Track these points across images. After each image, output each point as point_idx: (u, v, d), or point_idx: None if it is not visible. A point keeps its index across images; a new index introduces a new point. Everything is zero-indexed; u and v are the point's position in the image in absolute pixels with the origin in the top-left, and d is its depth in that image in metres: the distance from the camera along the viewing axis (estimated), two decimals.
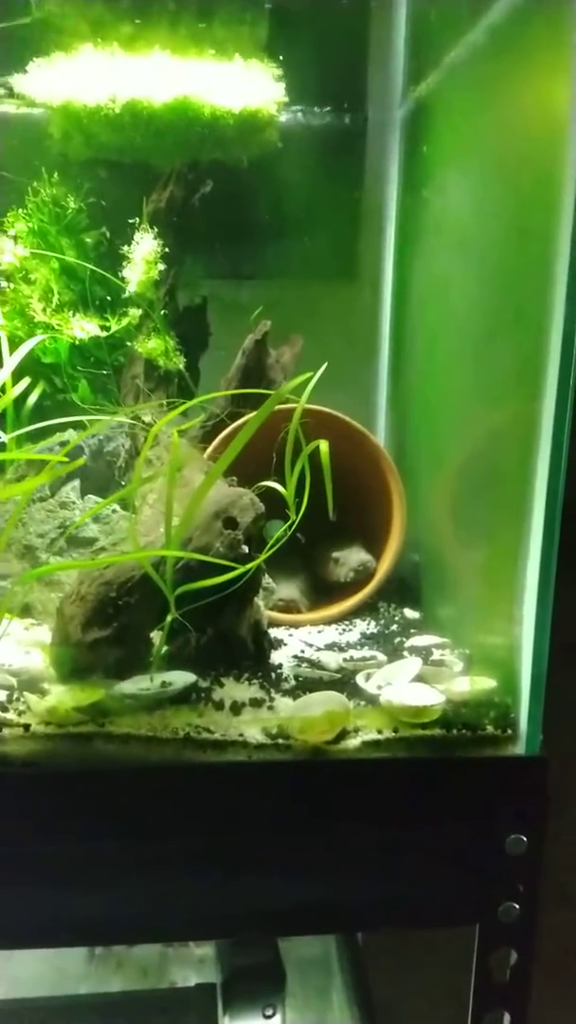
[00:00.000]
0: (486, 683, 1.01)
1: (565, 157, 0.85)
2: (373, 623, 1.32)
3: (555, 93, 0.88)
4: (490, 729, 0.95)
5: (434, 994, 1.82)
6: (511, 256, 1.02)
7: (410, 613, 1.35)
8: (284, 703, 0.97)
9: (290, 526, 1.06)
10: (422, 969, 1.86)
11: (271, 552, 1.07)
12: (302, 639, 1.23)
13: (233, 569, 0.97)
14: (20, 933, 0.91)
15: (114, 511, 1.22)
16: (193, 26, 1.29)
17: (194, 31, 1.30)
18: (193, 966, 1.83)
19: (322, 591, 1.39)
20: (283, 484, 1.10)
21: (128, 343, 1.41)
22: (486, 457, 1.11)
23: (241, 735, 0.91)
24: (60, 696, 0.89)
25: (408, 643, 1.20)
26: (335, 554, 1.39)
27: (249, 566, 0.98)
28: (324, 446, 1.07)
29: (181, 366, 1.39)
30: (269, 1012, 1.47)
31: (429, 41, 1.33)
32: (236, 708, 0.95)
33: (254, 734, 0.92)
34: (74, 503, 1.21)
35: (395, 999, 1.75)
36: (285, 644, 1.20)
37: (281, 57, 1.34)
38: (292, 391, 1.07)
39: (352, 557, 1.36)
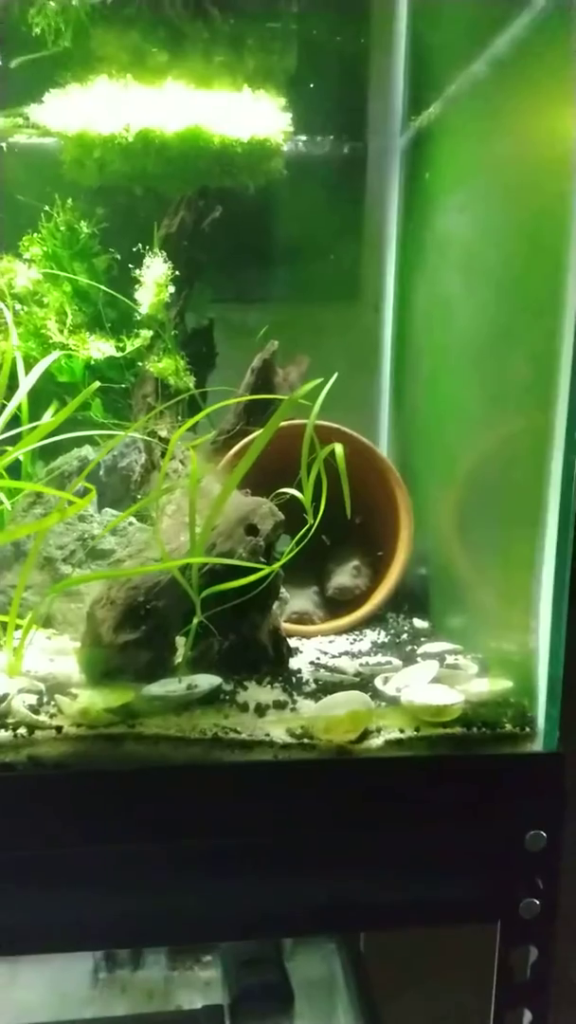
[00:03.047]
0: (503, 684, 1.04)
1: (571, 182, 0.89)
2: (383, 633, 1.34)
3: (559, 120, 0.94)
4: (509, 727, 0.97)
5: (439, 1010, 1.82)
6: (516, 275, 1.07)
7: (419, 623, 1.38)
8: (306, 705, 1.00)
9: (308, 531, 1.09)
10: (427, 986, 1.86)
11: (289, 561, 1.10)
12: (316, 648, 1.26)
13: (255, 573, 1.00)
14: (54, 936, 0.91)
15: (131, 524, 1.24)
16: (202, 58, 1.35)
17: (203, 63, 1.35)
18: (199, 988, 1.81)
19: (331, 603, 1.42)
20: (296, 498, 1.13)
21: (139, 363, 1.44)
22: (496, 471, 1.15)
23: (267, 735, 0.93)
24: (91, 698, 0.91)
25: (420, 650, 1.22)
26: (331, 565, 1.43)
27: (273, 567, 1.01)
28: (339, 448, 1.11)
29: (191, 385, 1.43)
30: None
31: (430, 72, 1.39)
32: (260, 710, 0.97)
33: (279, 734, 0.94)
34: (92, 516, 1.23)
35: (401, 1016, 1.74)
36: (301, 652, 1.22)
37: (287, 88, 1.40)
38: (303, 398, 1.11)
39: (335, 579, 1.40)
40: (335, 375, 1.17)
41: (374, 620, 1.38)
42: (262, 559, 1.06)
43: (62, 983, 1.77)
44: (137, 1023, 1.71)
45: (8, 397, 1.17)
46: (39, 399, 1.32)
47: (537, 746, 0.97)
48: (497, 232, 1.14)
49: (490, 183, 1.16)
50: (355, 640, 1.31)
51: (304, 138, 1.52)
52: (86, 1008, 1.74)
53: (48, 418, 1.35)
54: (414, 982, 1.86)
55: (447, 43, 1.32)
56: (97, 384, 1.20)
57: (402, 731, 0.95)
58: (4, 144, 1.47)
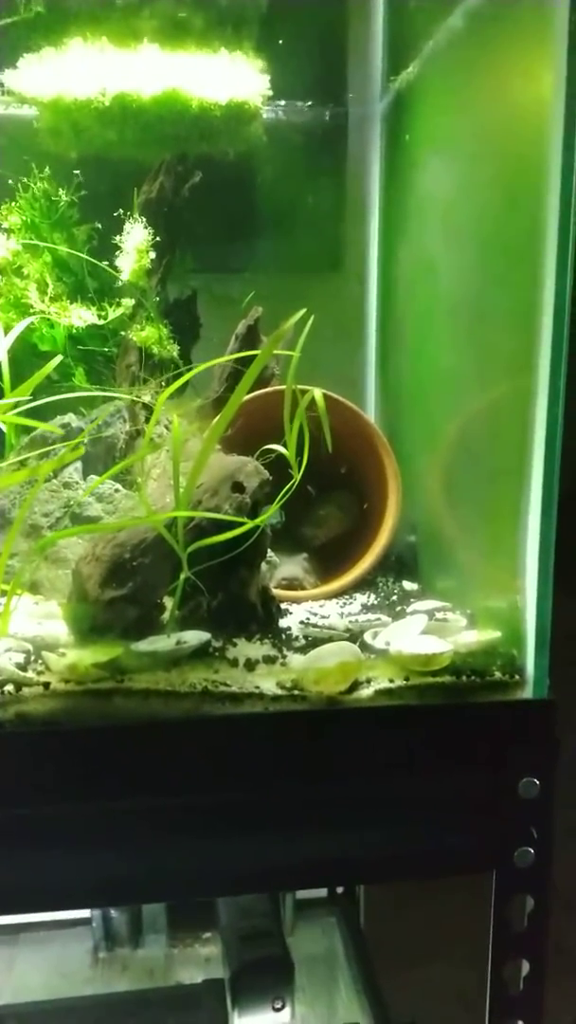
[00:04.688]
0: (491, 634, 1.03)
1: (550, 136, 0.88)
2: (373, 596, 1.34)
3: (536, 71, 0.93)
4: (498, 675, 0.97)
5: (438, 982, 1.83)
6: (498, 236, 1.06)
7: (408, 585, 1.38)
8: (296, 660, 0.99)
9: (292, 485, 1.08)
10: (427, 962, 1.87)
11: (278, 528, 1.09)
12: (306, 611, 1.26)
13: (242, 527, 0.99)
14: (44, 895, 0.91)
15: (116, 491, 1.24)
16: (177, 19, 1.34)
17: (178, 24, 1.34)
18: (199, 965, 1.81)
19: (320, 569, 1.41)
20: (281, 461, 1.12)
21: (122, 332, 1.43)
22: (482, 433, 1.14)
23: (257, 687, 0.93)
24: (79, 653, 0.91)
25: (410, 608, 1.22)
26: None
27: (259, 519, 1.00)
28: (318, 393, 1.11)
29: (175, 353, 1.42)
30: (278, 1005, 1.46)
31: (408, 31, 1.38)
32: (250, 664, 0.96)
33: (270, 687, 0.93)
34: (77, 483, 1.23)
35: (401, 991, 1.75)
36: (291, 614, 1.22)
37: (265, 53, 1.38)
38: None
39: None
40: (311, 319, 1.16)
41: (363, 584, 1.37)
42: (249, 516, 1.05)
43: (62, 962, 1.77)
44: (138, 1000, 1.71)
45: None
46: (22, 371, 1.31)
47: (527, 693, 0.97)
48: (477, 191, 1.13)
49: (468, 141, 1.15)
50: (345, 603, 1.31)
51: (283, 103, 1.51)
52: (87, 987, 1.74)
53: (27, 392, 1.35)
54: (414, 955, 1.87)
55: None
56: (60, 358, 1.18)
57: (392, 681, 0.95)
58: None
